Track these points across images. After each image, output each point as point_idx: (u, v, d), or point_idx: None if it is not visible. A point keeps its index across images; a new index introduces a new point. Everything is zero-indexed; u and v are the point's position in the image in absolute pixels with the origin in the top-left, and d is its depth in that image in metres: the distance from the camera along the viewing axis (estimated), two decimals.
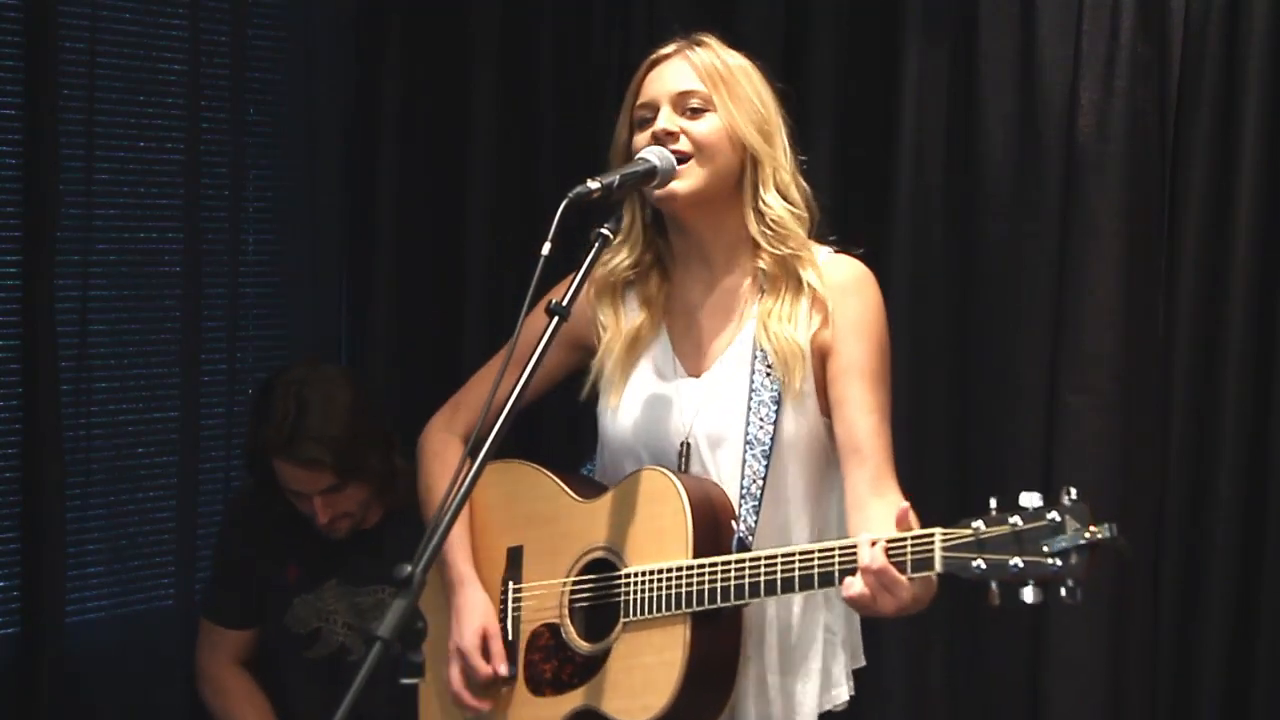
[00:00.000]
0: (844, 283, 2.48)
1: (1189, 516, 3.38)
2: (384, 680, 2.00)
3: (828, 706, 2.52)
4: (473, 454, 2.18)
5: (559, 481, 2.60)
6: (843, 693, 2.54)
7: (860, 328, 2.46)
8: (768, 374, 2.46)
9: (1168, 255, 3.39)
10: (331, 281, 4.17)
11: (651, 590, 2.40)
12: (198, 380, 3.89)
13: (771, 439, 2.44)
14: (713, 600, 2.35)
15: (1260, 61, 3.27)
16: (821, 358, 2.46)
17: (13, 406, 3.63)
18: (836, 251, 2.52)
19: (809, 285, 2.46)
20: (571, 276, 2.37)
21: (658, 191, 2.44)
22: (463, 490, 2.14)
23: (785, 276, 2.48)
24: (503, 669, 2.55)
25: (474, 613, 2.58)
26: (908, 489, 2.45)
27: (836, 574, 2.25)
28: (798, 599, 2.48)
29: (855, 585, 2.21)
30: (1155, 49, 3.36)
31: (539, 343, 2.29)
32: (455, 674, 2.58)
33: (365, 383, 3.42)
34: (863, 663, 2.60)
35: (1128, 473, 3.37)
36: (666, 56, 2.51)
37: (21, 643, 3.60)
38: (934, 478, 3.49)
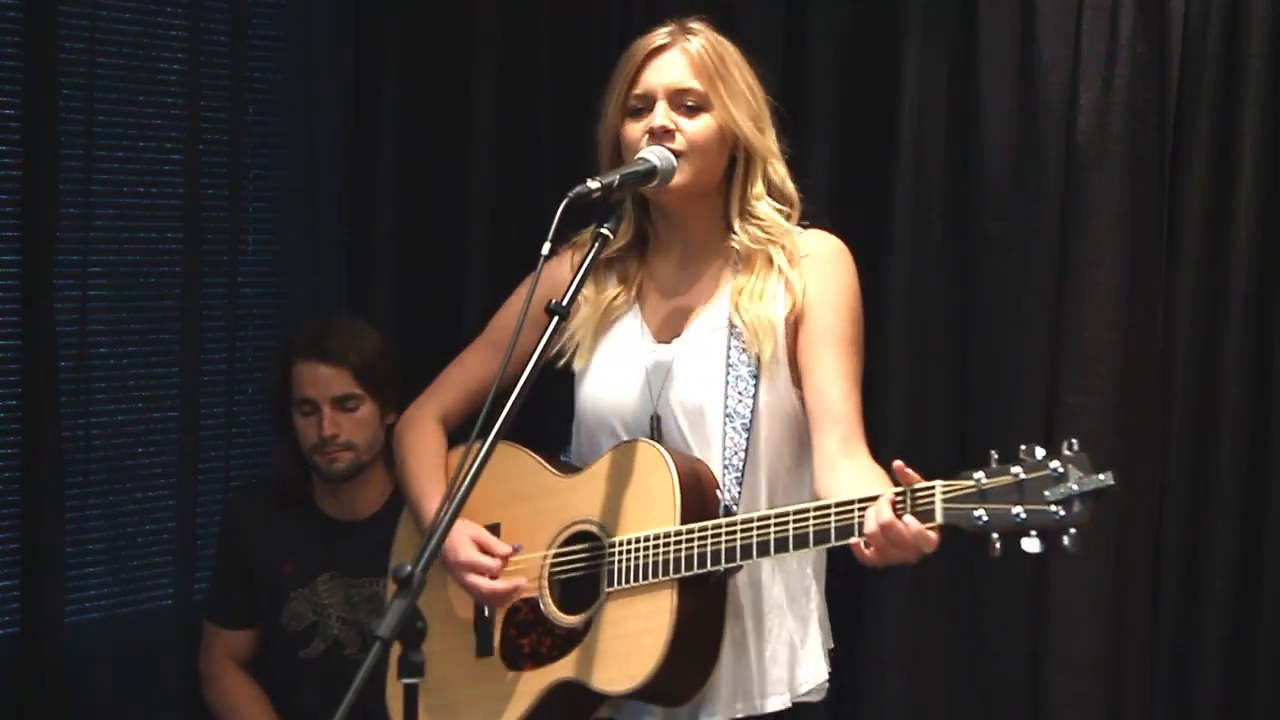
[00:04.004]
0: (816, 253, 2.50)
1: (1189, 516, 3.38)
2: (383, 679, 1.99)
3: (804, 682, 2.49)
4: (468, 449, 2.18)
5: (539, 460, 2.60)
6: (820, 671, 2.51)
7: (831, 296, 2.47)
8: (743, 348, 2.46)
9: (1168, 255, 3.39)
10: (331, 281, 4.17)
11: (638, 557, 2.40)
12: (198, 380, 3.88)
13: (751, 411, 2.44)
14: (702, 564, 2.35)
15: (1260, 61, 3.27)
16: (793, 331, 2.47)
17: (12, 406, 3.62)
18: (808, 228, 2.54)
19: (780, 265, 2.48)
20: (571, 274, 2.38)
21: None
22: (461, 491, 2.14)
23: (759, 255, 2.49)
24: (506, 548, 2.51)
25: (459, 531, 2.51)
26: None
27: (833, 531, 2.24)
28: (766, 566, 2.46)
29: (863, 546, 2.20)
30: (1155, 49, 3.36)
31: (539, 342, 2.31)
32: (476, 581, 2.50)
33: None
34: (831, 644, 2.57)
35: (1128, 473, 3.37)
36: (663, 48, 2.50)
37: (21, 643, 3.59)
38: (932, 476, 3.47)
